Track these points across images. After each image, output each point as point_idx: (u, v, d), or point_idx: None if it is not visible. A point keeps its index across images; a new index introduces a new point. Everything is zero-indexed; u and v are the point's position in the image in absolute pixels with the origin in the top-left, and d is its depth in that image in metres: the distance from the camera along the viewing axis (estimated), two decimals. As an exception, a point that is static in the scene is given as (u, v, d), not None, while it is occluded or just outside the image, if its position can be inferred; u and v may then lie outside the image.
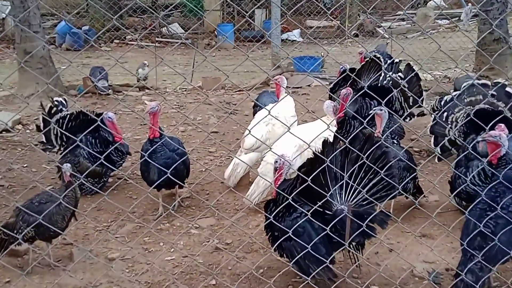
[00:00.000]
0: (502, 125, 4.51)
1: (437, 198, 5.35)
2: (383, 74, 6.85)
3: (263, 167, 5.15)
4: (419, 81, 6.81)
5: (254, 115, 6.43)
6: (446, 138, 5.82)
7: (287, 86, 5.98)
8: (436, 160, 6.16)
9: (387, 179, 3.33)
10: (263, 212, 3.69)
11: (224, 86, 10.49)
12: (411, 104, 6.69)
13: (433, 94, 9.47)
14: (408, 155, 4.86)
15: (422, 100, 6.78)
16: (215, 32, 16.21)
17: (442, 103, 5.95)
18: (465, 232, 3.50)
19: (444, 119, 5.90)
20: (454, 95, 5.89)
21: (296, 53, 13.49)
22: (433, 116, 6.02)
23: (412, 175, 4.86)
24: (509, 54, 10.60)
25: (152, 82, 10.53)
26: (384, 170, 3.32)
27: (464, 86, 5.85)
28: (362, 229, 3.09)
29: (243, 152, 5.66)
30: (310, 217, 3.08)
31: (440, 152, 5.94)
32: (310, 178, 3.06)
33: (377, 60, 6.89)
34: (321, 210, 3.30)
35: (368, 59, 7.08)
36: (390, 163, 3.37)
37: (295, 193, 3.38)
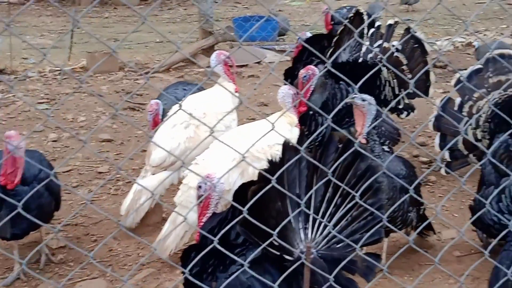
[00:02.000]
0: None
1: (455, 235, 5.46)
2: (367, 43, 6.94)
3: (182, 195, 5.08)
4: (425, 55, 6.76)
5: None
6: (459, 138, 5.91)
7: (225, 63, 5.93)
8: (442, 171, 6.26)
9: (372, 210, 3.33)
10: (181, 267, 3.65)
11: (123, 67, 10.36)
12: (410, 91, 6.75)
13: (452, 73, 9.77)
14: (408, 169, 4.95)
15: (428, 86, 6.79)
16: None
17: (454, 83, 6.11)
18: (493, 284, 3.60)
19: (456, 109, 6.01)
20: (473, 72, 5.98)
21: (239, 12, 13.61)
22: (437, 103, 6.13)
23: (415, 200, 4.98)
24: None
25: (3, 62, 10.21)
26: (367, 196, 3.35)
27: (489, 59, 5.92)
28: (328, 284, 3.07)
29: (149, 172, 5.60)
30: (256, 270, 3.07)
31: (449, 160, 6.03)
32: (250, 205, 3.06)
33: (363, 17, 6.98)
34: (277, 255, 3.31)
35: (350, 17, 7.17)
36: (378, 185, 3.40)
37: (232, 232, 3.38)
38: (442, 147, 6.05)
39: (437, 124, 6.12)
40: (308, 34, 6.97)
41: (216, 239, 2.79)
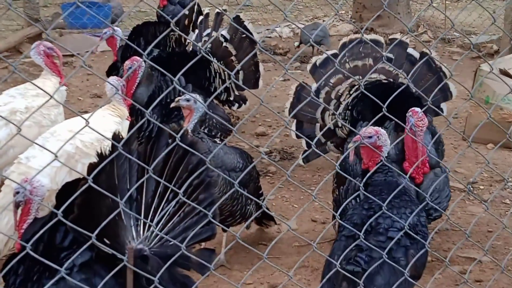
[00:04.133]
0: (418, 109, 4.61)
1: (296, 226, 5.64)
2: (196, 32, 6.97)
3: (5, 198, 4.87)
4: (254, 44, 6.85)
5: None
6: (316, 125, 6.01)
7: (46, 55, 5.74)
8: (300, 161, 6.31)
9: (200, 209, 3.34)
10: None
11: None
12: (240, 81, 6.86)
13: (293, 60, 9.99)
14: (246, 161, 5.03)
15: (258, 78, 6.96)
16: None
17: (309, 68, 6.14)
18: (325, 274, 3.71)
19: (314, 94, 6.02)
20: (328, 57, 6.01)
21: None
22: (292, 89, 6.16)
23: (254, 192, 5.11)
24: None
25: None
26: (199, 190, 3.37)
27: (346, 44, 5.99)
28: (154, 285, 3.06)
29: (-37, 174, 5.36)
30: (86, 273, 3.05)
31: (306, 148, 6.10)
32: (79, 203, 3.01)
33: None
34: (109, 254, 3.27)
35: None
36: (210, 179, 3.42)
37: (58, 235, 3.32)
38: (298, 134, 6.09)
39: (292, 111, 6.03)
40: (117, 29, 6.79)
41: (28, 245, 2.67)
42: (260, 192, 5.34)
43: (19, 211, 3.68)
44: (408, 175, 4.28)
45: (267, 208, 5.33)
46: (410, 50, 5.91)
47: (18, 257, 3.27)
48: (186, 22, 7.13)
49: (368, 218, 3.75)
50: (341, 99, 5.89)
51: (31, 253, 2.72)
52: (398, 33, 8.20)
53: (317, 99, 5.86)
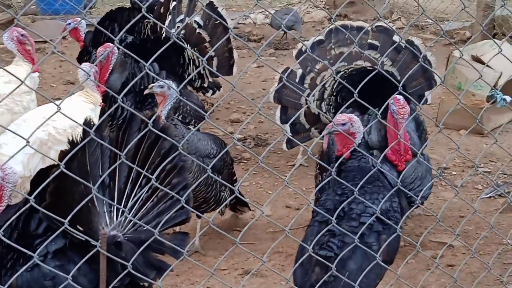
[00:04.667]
0: (400, 97, 4.60)
1: (270, 212, 5.68)
2: (169, 18, 6.96)
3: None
4: (227, 31, 6.85)
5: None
6: (301, 111, 6.00)
7: (19, 41, 5.70)
8: (284, 147, 6.35)
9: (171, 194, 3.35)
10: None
11: None
12: (214, 68, 6.85)
13: (267, 47, 10.03)
14: (219, 148, 5.05)
15: (232, 64, 6.96)
16: None
17: (295, 53, 6.17)
18: (298, 259, 3.76)
19: (298, 81, 6.10)
20: (314, 43, 6.06)
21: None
22: (277, 75, 6.19)
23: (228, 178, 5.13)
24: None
25: None
26: (172, 175, 3.39)
27: (331, 30, 6.03)
28: (127, 270, 3.07)
29: None
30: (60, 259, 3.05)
31: (290, 134, 6.07)
32: (51, 190, 3.01)
33: None
34: (82, 241, 3.27)
35: None
36: (183, 164, 3.43)
37: (32, 222, 3.33)
38: (283, 120, 6.11)
39: (278, 96, 6.17)
40: (83, 22, 6.79)
41: (0, 231, 2.67)
42: (234, 178, 5.37)
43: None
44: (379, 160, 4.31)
45: (241, 194, 5.36)
46: (395, 38, 5.96)
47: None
48: (162, 10, 7.09)
49: (340, 203, 3.77)
50: (326, 85, 5.94)
51: (4, 239, 2.73)
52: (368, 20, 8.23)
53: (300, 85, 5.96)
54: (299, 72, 6.11)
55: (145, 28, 7.01)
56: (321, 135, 4.37)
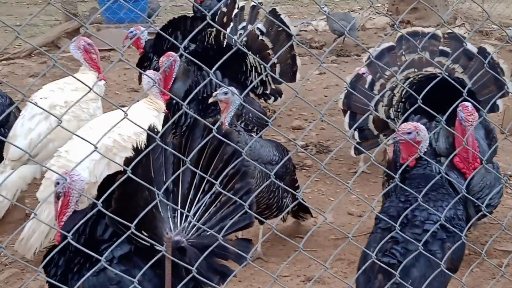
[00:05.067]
0: (469, 104, 4.58)
1: (332, 219, 5.65)
2: (230, 25, 7.00)
3: (45, 190, 4.96)
4: (290, 38, 6.87)
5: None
6: (369, 117, 5.98)
7: (85, 50, 5.81)
8: (352, 153, 6.35)
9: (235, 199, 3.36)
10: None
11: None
12: (277, 74, 6.86)
13: (329, 54, 10.02)
14: (281, 154, 5.06)
15: (295, 71, 6.96)
16: None
17: (365, 60, 6.20)
18: (361, 266, 3.74)
19: (367, 87, 6.09)
20: (385, 49, 6.05)
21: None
22: (347, 80, 6.14)
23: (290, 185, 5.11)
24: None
25: None
26: (235, 180, 3.41)
27: (402, 36, 6.02)
28: (192, 275, 3.08)
29: (8, 166, 5.45)
30: (125, 264, 3.09)
31: (358, 140, 6.10)
32: (116, 196, 3.05)
33: None
34: (147, 247, 3.32)
35: None
36: (246, 169, 3.45)
37: (99, 228, 3.40)
38: (351, 126, 6.08)
39: (347, 102, 6.16)
40: (142, 28, 6.91)
41: (69, 235, 2.75)
42: (296, 185, 5.37)
43: (60, 202, 3.74)
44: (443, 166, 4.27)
45: (303, 200, 5.36)
46: (467, 45, 5.86)
47: (58, 247, 3.35)
48: (225, 19, 7.13)
49: (404, 210, 3.77)
50: (395, 91, 5.92)
51: (73, 242, 2.78)
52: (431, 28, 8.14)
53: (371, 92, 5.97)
54: (369, 78, 6.09)
55: (208, 37, 7.07)
56: (384, 142, 4.33)
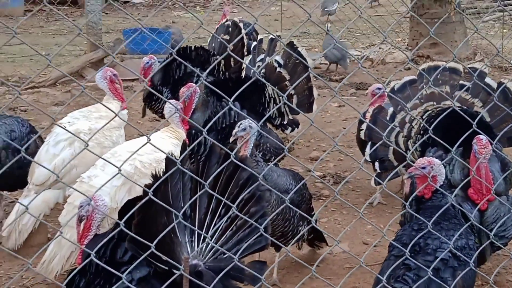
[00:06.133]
0: (483, 137, 4.66)
1: (347, 248, 5.70)
2: (249, 57, 7.13)
3: (68, 215, 5.07)
4: (307, 70, 6.95)
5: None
6: (390, 148, 6.05)
7: (111, 80, 5.96)
8: (372, 183, 6.44)
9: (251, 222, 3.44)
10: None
11: (7, 79, 10.23)
12: (294, 105, 6.94)
13: (349, 87, 10.15)
14: (297, 182, 5.12)
15: (312, 102, 7.09)
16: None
17: (388, 91, 6.19)
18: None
19: (388, 118, 6.14)
20: (406, 82, 6.11)
21: (130, 24, 13.55)
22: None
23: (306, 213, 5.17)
24: (458, 21, 11.47)
25: None
26: (251, 204, 3.49)
27: (424, 70, 6.06)
28: None
29: (32, 191, 5.57)
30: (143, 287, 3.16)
31: (379, 171, 6.14)
32: (136, 220, 3.13)
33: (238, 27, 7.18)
34: (165, 270, 3.41)
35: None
36: (261, 193, 3.55)
37: (119, 250, 3.47)
38: (372, 157, 6.12)
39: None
40: (154, 59, 7.06)
41: (93, 253, 2.84)
42: (312, 213, 5.44)
43: (82, 225, 3.84)
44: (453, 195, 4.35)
45: (317, 224, 5.42)
46: (487, 80, 5.94)
47: (80, 266, 3.44)
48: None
49: (417, 238, 3.84)
50: (414, 123, 5.99)
51: (96, 260, 2.88)
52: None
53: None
54: (390, 110, 6.15)
55: (219, 66, 7.22)
56: (394, 173, 4.39)
